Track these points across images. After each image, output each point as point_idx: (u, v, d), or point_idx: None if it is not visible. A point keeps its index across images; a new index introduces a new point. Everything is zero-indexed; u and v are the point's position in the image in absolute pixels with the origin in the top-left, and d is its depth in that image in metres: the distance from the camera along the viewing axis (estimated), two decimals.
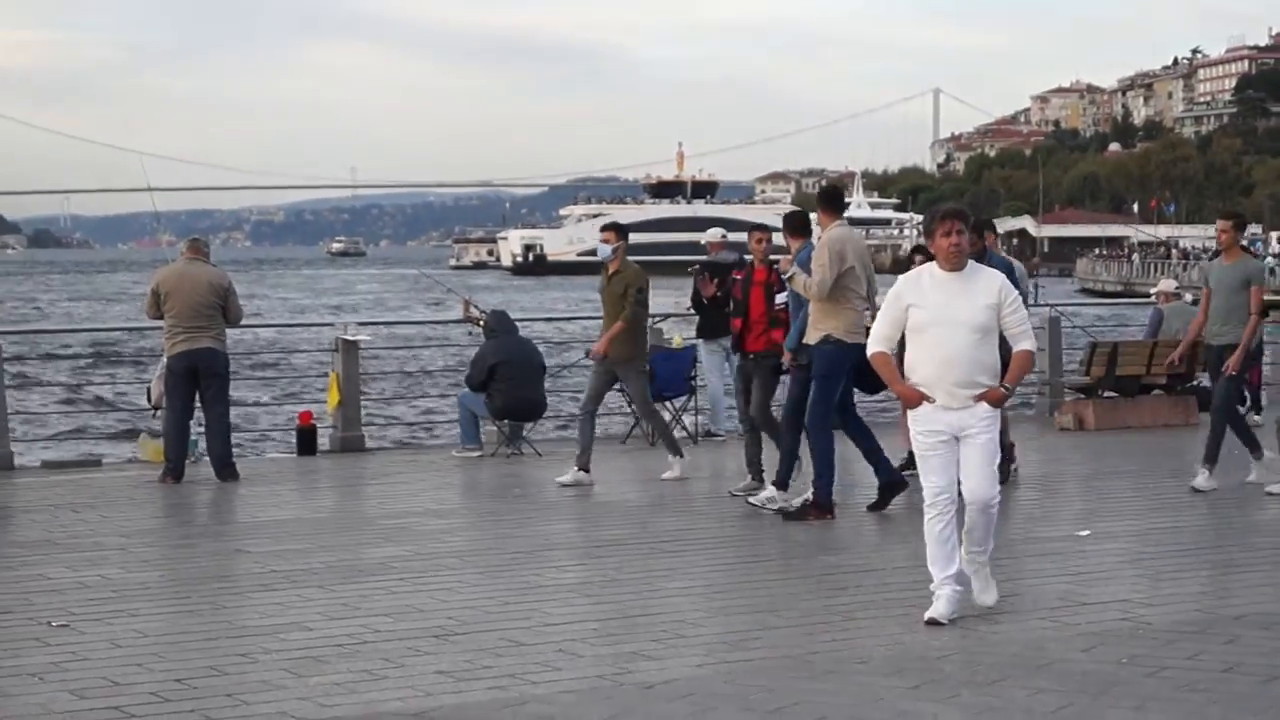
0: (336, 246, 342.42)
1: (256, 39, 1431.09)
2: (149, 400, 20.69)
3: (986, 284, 10.78)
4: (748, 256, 23.79)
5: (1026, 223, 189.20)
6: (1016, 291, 10.94)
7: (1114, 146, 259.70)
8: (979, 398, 10.65)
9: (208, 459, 18.94)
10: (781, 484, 15.94)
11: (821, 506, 15.36)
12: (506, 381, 20.51)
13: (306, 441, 21.40)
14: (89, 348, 45.48)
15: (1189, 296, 28.05)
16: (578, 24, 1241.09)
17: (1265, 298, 19.65)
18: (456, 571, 13.27)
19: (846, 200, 19.46)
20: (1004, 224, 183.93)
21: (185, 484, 18.31)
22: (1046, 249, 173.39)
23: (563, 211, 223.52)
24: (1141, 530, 14.76)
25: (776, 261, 16.38)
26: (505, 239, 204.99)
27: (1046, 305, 28.68)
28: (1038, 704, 8.92)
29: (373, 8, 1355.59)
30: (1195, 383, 24.73)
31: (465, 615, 11.60)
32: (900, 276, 11.25)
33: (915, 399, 10.77)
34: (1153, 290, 27.67)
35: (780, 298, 16.31)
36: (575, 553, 13.92)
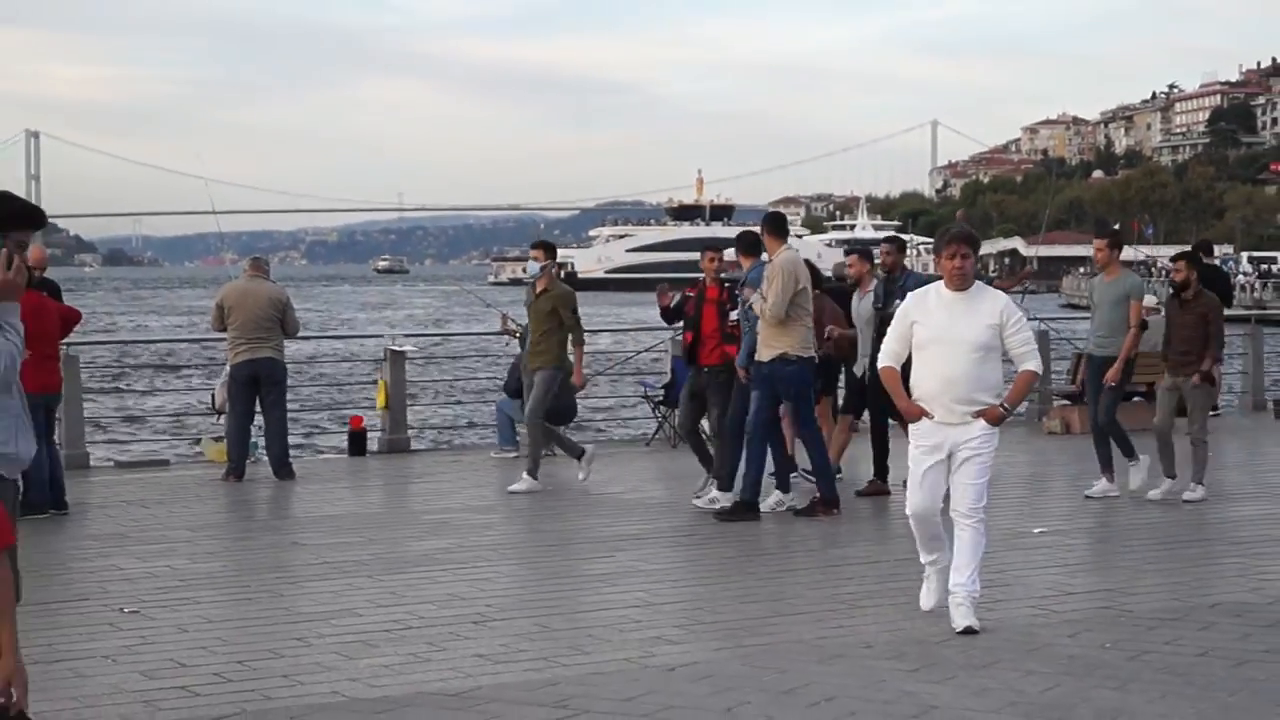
0: (382, 265, 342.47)
1: (313, 75, 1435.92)
2: (213, 405, 20.77)
3: (990, 305, 10.35)
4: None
5: (1017, 243, 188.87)
6: (1020, 312, 10.53)
7: (1097, 174, 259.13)
8: (977, 414, 10.19)
9: (267, 459, 18.96)
10: (723, 484, 15.77)
11: (828, 502, 15.30)
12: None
13: (357, 443, 21.47)
14: (158, 357, 45.57)
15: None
16: (604, 62, 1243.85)
17: (1240, 311, 19.68)
18: (494, 563, 13.26)
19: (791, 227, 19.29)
20: (996, 245, 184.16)
21: (246, 482, 18.34)
22: (1035, 267, 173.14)
23: (592, 233, 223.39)
24: (1123, 526, 14.74)
25: (728, 281, 16.28)
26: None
27: (1036, 319, 28.61)
28: (1028, 685, 8.91)
29: (419, 47, 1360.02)
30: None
31: (502, 603, 11.59)
32: (910, 294, 10.85)
33: (916, 414, 10.34)
34: None
35: (734, 315, 16.06)
36: (602, 546, 13.89)
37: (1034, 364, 10.41)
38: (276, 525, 15.81)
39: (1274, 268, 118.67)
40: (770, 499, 15.69)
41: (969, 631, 10.01)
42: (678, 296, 16.74)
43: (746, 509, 15.16)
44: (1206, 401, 16.75)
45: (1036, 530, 14.39)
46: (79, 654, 10.07)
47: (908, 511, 10.58)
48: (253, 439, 19.33)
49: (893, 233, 18.48)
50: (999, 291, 10.73)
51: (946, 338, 10.21)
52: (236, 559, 13.79)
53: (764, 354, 15.14)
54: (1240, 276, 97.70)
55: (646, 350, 26.21)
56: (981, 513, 10.28)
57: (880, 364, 10.70)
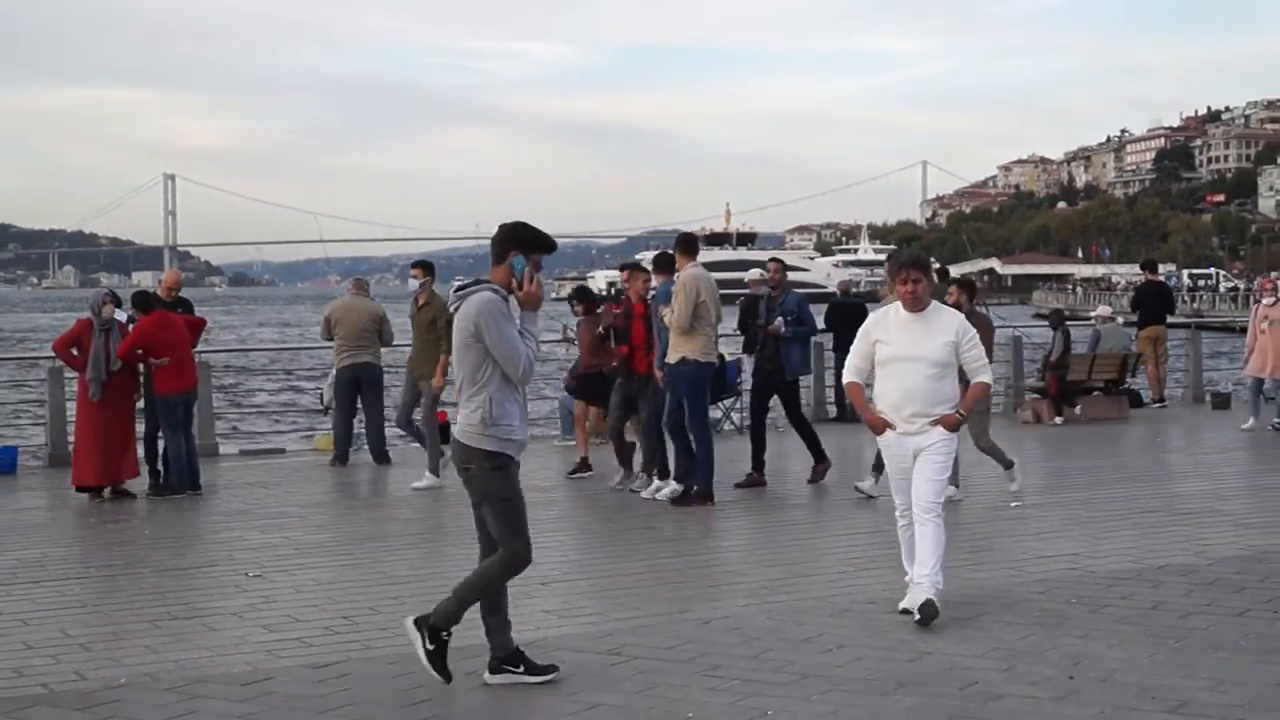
0: (457, 284, 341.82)
1: (406, 126, 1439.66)
2: (321, 403, 20.83)
3: (946, 324, 9.56)
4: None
5: (994, 263, 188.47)
6: (974, 330, 9.69)
7: (1061, 205, 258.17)
8: (935, 422, 9.42)
9: (367, 448, 18.98)
10: (680, 478, 15.05)
11: (705, 495, 14.55)
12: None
13: (442, 434, 21.40)
14: (275, 363, 45.69)
15: (1120, 319, 27.94)
16: (646, 113, 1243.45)
17: (1182, 319, 19.52)
18: (556, 533, 13.24)
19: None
20: (976, 264, 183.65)
21: (350, 467, 18.36)
22: (1010, 284, 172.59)
23: (637, 256, 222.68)
24: (1085, 499, 14.65)
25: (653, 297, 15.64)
26: (593, 278, 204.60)
27: (1011, 327, 28.54)
28: (1007, 634, 8.87)
29: (494, 101, 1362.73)
30: (1127, 386, 24.77)
31: (563, 566, 11.57)
32: (871, 314, 10.02)
33: (879, 425, 9.57)
34: (1092, 314, 27.56)
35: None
36: (645, 517, 13.87)
37: (986, 376, 9.74)
38: (375, 503, 15.81)
39: (1209, 282, 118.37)
40: (654, 487, 15.23)
41: (929, 605, 9.10)
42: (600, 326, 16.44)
43: (704, 497, 14.57)
44: (983, 412, 15.23)
45: (1013, 504, 14.33)
46: (211, 611, 10.09)
47: (897, 512, 9.81)
48: (355, 431, 19.36)
49: (776, 254, 17.83)
50: (955, 311, 9.97)
51: (907, 355, 9.47)
52: (342, 531, 13.80)
53: (671, 357, 14.71)
54: (1183, 289, 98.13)
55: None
56: (939, 508, 9.46)
57: (845, 379, 9.85)
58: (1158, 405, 25.65)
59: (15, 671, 8.44)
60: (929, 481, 9.46)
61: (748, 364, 22.18)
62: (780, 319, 16.28)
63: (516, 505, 8.02)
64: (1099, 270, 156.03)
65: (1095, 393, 24.12)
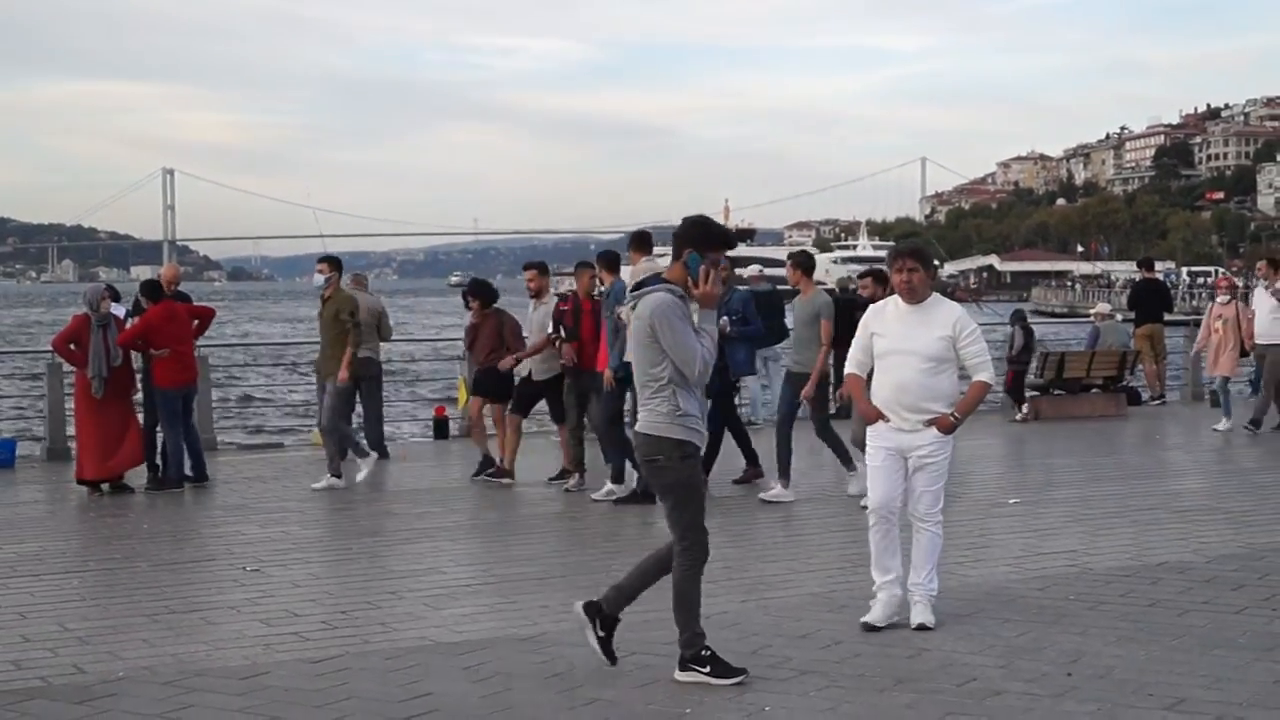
0: (454, 280, 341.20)
1: (405, 121, 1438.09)
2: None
3: (944, 317, 9.13)
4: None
5: (993, 260, 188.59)
6: (974, 324, 9.21)
7: (1061, 202, 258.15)
8: (929, 423, 9.03)
9: (365, 441, 18.96)
10: (616, 478, 14.89)
11: (649, 495, 13.70)
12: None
13: (441, 429, 21.50)
14: (273, 357, 45.64)
15: (1119, 317, 27.98)
16: (646, 110, 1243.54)
17: (1179, 316, 19.46)
18: (554, 529, 13.28)
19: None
20: (975, 261, 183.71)
21: (348, 461, 18.34)
22: (1009, 280, 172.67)
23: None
24: (1084, 496, 14.66)
25: (602, 294, 15.51)
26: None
27: (1008, 324, 28.53)
28: (1005, 630, 8.88)
29: (494, 97, 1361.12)
30: (1125, 383, 24.81)
31: (561, 562, 11.58)
32: (870, 306, 9.75)
33: (873, 417, 9.19)
34: (1091, 312, 27.57)
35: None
36: (643, 513, 13.87)
37: (986, 375, 9.15)
38: (373, 497, 15.81)
39: (1208, 280, 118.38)
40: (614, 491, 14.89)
41: (923, 628, 8.90)
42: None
43: (647, 498, 13.99)
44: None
45: (1011, 501, 14.34)
46: (209, 605, 10.10)
47: (870, 506, 9.29)
48: (353, 425, 19.35)
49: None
50: (954, 304, 9.46)
51: (901, 348, 9.10)
52: (340, 525, 13.82)
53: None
54: (1181, 287, 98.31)
55: None
56: (938, 515, 9.20)
57: (846, 371, 9.56)
58: (1156, 403, 25.69)
59: (14, 664, 8.45)
60: (926, 491, 9.15)
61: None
62: (725, 318, 15.86)
63: (699, 496, 8.00)
64: (1098, 267, 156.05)
65: (1094, 389, 24.15)
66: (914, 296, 9.17)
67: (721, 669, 7.86)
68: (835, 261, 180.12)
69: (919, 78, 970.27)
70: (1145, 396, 25.98)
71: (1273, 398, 20.89)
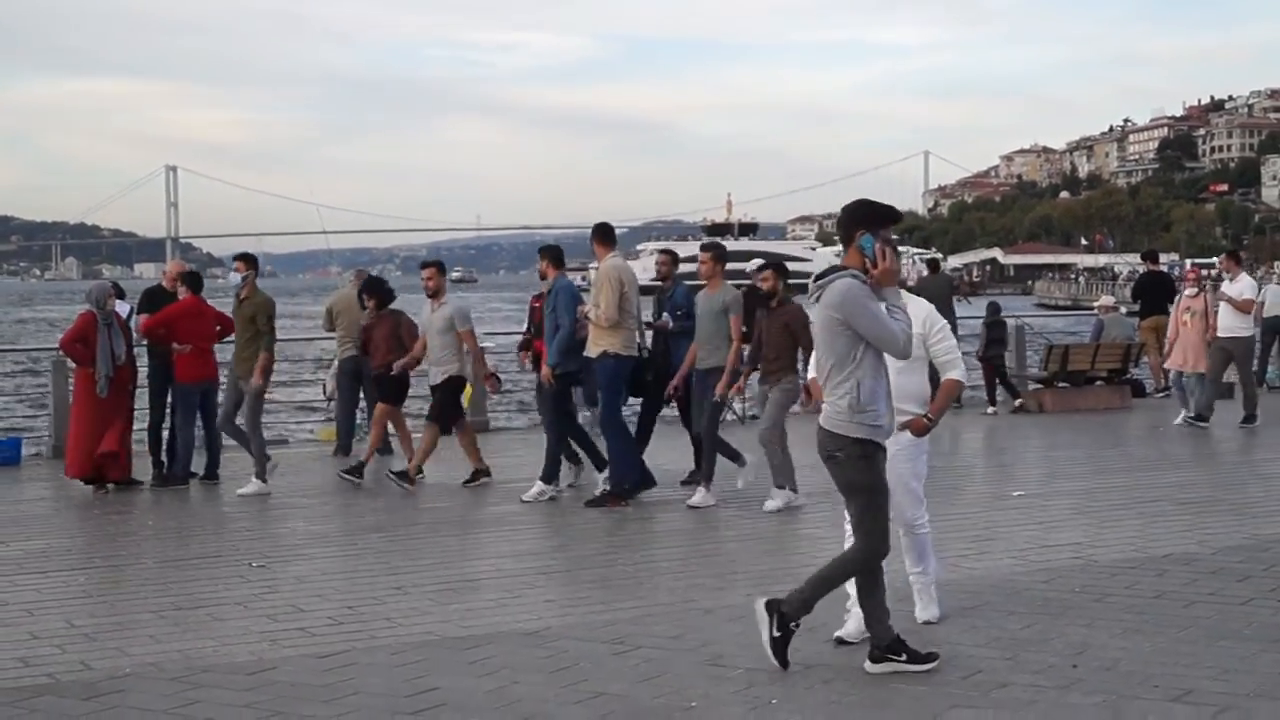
0: (455, 275, 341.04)
1: (406, 118, 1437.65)
2: (324, 393, 20.81)
3: (912, 314, 8.33)
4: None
5: (996, 253, 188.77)
6: (943, 321, 8.81)
7: (1064, 194, 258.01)
8: (903, 426, 8.41)
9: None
10: (548, 478, 14.67)
11: (618, 495, 14.07)
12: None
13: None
14: (278, 354, 45.69)
15: (1124, 309, 27.96)
16: (647, 105, 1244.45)
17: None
18: (559, 523, 13.29)
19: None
20: (979, 254, 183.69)
21: (352, 457, 18.35)
22: (1012, 273, 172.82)
23: (639, 247, 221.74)
24: (1089, 488, 14.67)
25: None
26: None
27: (1013, 317, 28.56)
28: (1010, 622, 8.88)
29: (494, 94, 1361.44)
30: (1130, 376, 24.81)
31: (566, 556, 11.60)
32: None
33: None
34: (1095, 304, 27.56)
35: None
36: (649, 509, 13.88)
37: (958, 372, 8.72)
38: (377, 492, 15.80)
39: (1212, 272, 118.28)
40: (532, 490, 14.67)
41: (928, 624, 8.74)
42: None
43: (617, 497, 14.07)
44: (781, 404, 13.87)
45: (1016, 493, 14.34)
46: (215, 601, 10.11)
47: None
48: (357, 421, 19.38)
49: (667, 245, 16.08)
50: (922, 300, 8.93)
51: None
52: (345, 521, 13.82)
53: (592, 351, 14.24)
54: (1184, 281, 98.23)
55: None
56: (923, 515, 8.86)
57: (810, 375, 8.96)
58: (1161, 395, 25.66)
59: (21, 661, 8.46)
60: (903, 501, 8.65)
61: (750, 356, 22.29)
62: (665, 314, 15.63)
63: (880, 496, 7.92)
64: (1101, 260, 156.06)
65: (1098, 382, 24.14)
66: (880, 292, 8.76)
67: (916, 656, 7.84)
68: (839, 255, 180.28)
69: (920, 71, 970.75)
70: (1150, 389, 25.97)
71: (1217, 389, 20.86)
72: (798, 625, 7.96)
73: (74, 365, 16.25)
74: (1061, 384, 23.95)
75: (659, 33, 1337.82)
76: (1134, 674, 7.67)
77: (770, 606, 7.96)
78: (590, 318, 14.29)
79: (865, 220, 7.88)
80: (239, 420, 16.16)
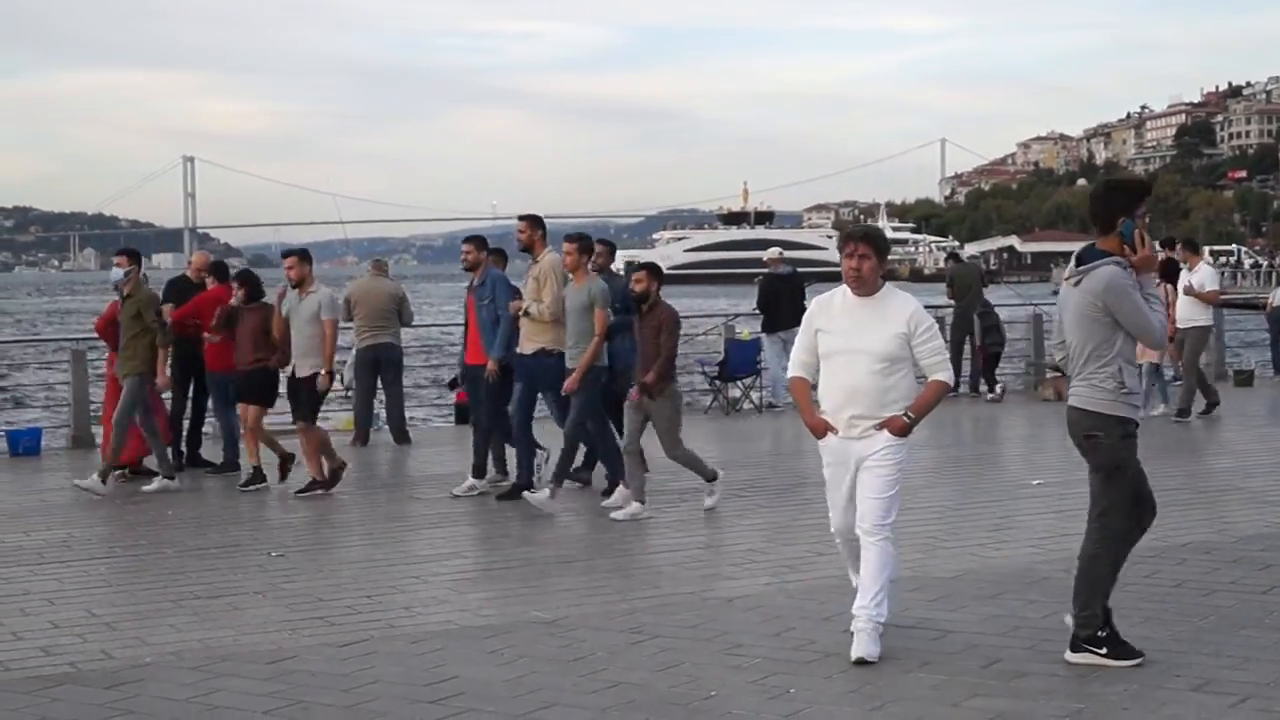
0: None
1: (422, 108, 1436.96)
2: (342, 382, 20.83)
3: (897, 311, 8.11)
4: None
5: (1013, 241, 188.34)
6: (930, 319, 8.23)
7: (1081, 182, 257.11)
8: (881, 425, 8.05)
9: (387, 427, 19.04)
10: (477, 472, 14.46)
11: (525, 487, 13.71)
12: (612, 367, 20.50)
13: (462, 414, 21.48)
14: None
15: None
16: (662, 93, 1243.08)
17: (1227, 297, 19.25)
18: (576, 512, 13.28)
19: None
20: (995, 242, 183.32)
21: (370, 446, 18.40)
22: (1030, 261, 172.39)
23: (655, 236, 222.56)
24: None
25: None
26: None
27: (1030, 304, 28.55)
28: (1030, 611, 8.88)
29: (510, 83, 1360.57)
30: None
31: (585, 545, 11.61)
32: (815, 299, 8.51)
33: (820, 430, 8.23)
34: None
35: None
36: (669, 497, 13.87)
37: (944, 374, 8.22)
38: (396, 482, 15.84)
39: (1231, 259, 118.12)
40: (464, 484, 14.43)
41: (862, 663, 7.85)
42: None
43: (519, 490, 13.70)
44: (670, 417, 13.17)
45: (1035, 482, 14.32)
46: (235, 590, 10.13)
47: (832, 529, 8.55)
48: (375, 411, 19.41)
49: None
50: (908, 296, 8.33)
51: (851, 347, 8.09)
52: (364, 510, 13.84)
53: (526, 348, 13.96)
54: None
55: (703, 334, 26.21)
56: (887, 529, 8.14)
57: (789, 374, 8.54)
58: (1179, 383, 25.57)
59: (43, 650, 8.49)
60: (874, 500, 8.11)
61: (768, 344, 22.33)
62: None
63: (1130, 476, 7.97)
64: None
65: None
66: (863, 287, 8.16)
67: (1119, 649, 7.74)
68: None
69: (936, 58, 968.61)
70: (1168, 375, 25.90)
71: (1196, 382, 20.60)
72: (1106, 630, 7.81)
73: (103, 355, 16.24)
74: None
75: (675, 21, 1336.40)
76: (1154, 663, 7.66)
77: (1075, 644, 7.80)
78: (532, 313, 13.95)
79: (1125, 205, 7.83)
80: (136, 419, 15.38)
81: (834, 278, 8.91)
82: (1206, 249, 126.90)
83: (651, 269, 13.52)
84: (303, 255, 15.18)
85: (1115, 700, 7.08)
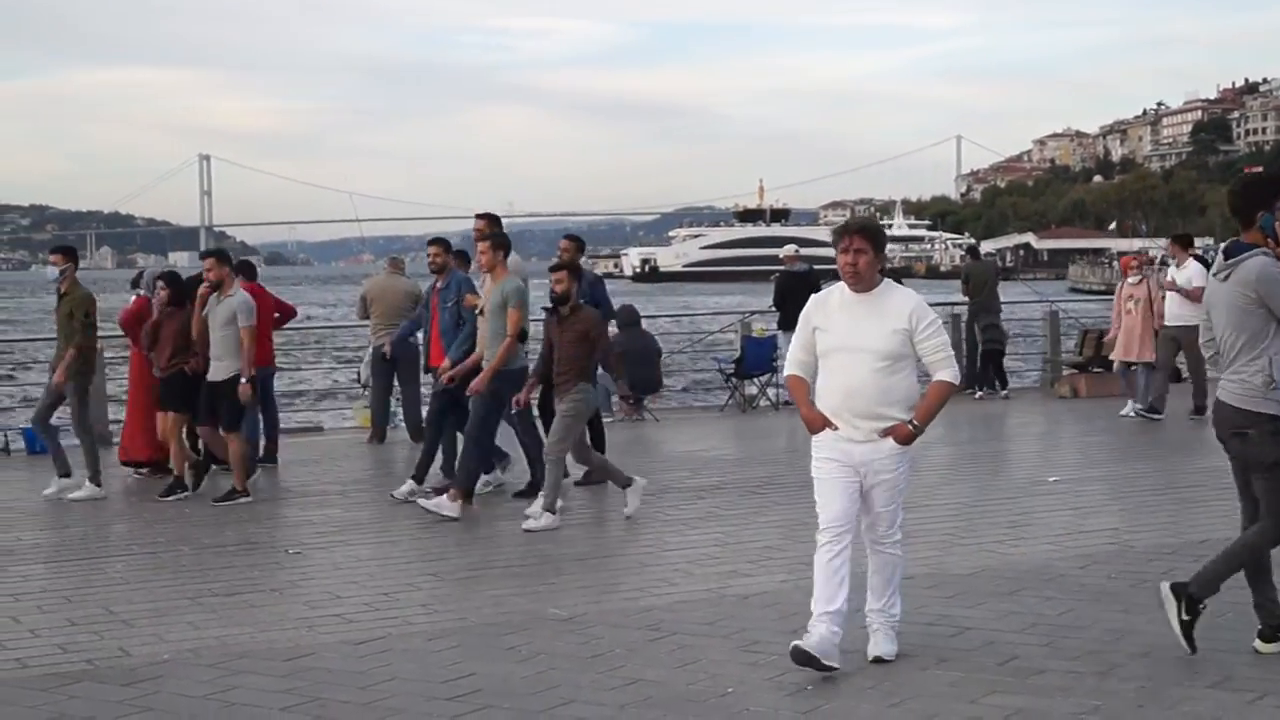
0: (1224, 249, 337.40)
1: (439, 105, 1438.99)
2: (359, 380, 20.84)
3: (898, 307, 7.77)
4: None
5: (1030, 237, 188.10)
6: (933, 314, 7.84)
7: (1097, 179, 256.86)
8: (885, 433, 7.74)
9: (404, 425, 19.05)
10: (418, 478, 14.04)
11: (469, 495, 13.20)
12: (631, 364, 20.51)
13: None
14: (313, 341, 45.71)
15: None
16: (678, 90, 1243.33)
17: None
18: (593, 510, 13.28)
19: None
20: (1011, 239, 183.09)
21: (387, 444, 18.41)
22: (1046, 258, 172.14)
23: (671, 233, 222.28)
24: (1124, 474, 14.62)
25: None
26: (627, 255, 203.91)
27: (1047, 302, 28.50)
28: (1047, 608, 8.86)
29: (526, 80, 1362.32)
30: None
31: (602, 543, 11.61)
32: (813, 296, 8.16)
33: (817, 423, 7.88)
34: None
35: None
36: (686, 494, 13.88)
37: (949, 373, 7.77)
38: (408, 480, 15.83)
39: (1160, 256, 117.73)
40: (402, 489, 14.03)
41: (880, 661, 7.85)
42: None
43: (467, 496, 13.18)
44: (572, 414, 12.71)
45: (1052, 479, 14.29)
46: (252, 588, 10.15)
47: (821, 523, 8.02)
48: (391, 409, 19.42)
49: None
50: (909, 292, 8.02)
51: (848, 345, 7.75)
52: (380, 508, 13.83)
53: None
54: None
55: (719, 331, 26.21)
56: (898, 534, 8.09)
57: (786, 372, 8.22)
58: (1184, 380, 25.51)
59: (60, 648, 8.51)
60: (882, 513, 7.99)
61: (784, 342, 22.31)
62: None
63: None
64: (1135, 244, 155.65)
65: (1134, 367, 24.01)
66: (860, 283, 7.81)
67: None
68: None
69: (952, 54, 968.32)
70: (1185, 373, 25.84)
71: (1168, 379, 20.10)
72: (1205, 606, 7.82)
73: (129, 351, 16.27)
74: (1096, 369, 23.84)
75: (690, 18, 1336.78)
76: (1172, 660, 7.65)
77: (1177, 590, 7.81)
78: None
79: (1262, 198, 7.82)
80: (61, 421, 15.41)
81: None
82: (1221, 245, 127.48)
83: (571, 269, 13.15)
84: (221, 256, 14.77)
85: (1132, 697, 7.06)
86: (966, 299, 24.44)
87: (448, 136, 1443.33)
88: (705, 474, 14.86)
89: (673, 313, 42.20)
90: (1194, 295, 19.29)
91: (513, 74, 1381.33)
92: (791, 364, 8.08)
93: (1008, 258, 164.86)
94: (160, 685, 7.66)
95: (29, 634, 8.88)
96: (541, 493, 12.53)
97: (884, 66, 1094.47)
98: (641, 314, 23.19)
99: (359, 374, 20.82)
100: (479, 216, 14.37)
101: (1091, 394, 23.03)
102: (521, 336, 13.43)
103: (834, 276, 8.15)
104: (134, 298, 16.18)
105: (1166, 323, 19.73)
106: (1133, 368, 20.31)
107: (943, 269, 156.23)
